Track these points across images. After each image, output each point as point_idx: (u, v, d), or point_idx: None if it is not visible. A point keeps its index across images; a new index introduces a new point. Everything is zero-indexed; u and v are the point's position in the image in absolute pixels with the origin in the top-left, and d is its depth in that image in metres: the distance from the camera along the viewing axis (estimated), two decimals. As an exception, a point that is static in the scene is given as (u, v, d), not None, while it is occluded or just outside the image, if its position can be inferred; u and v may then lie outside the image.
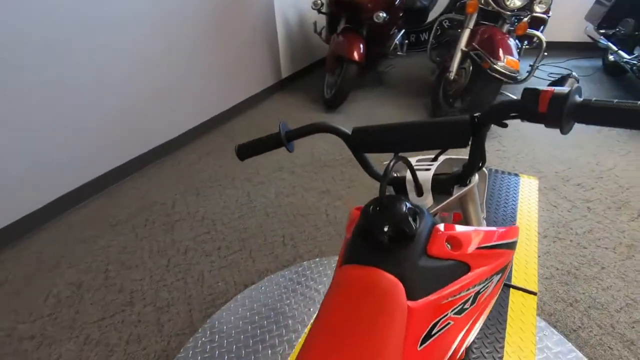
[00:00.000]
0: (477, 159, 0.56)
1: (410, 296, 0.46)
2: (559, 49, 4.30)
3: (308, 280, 1.37)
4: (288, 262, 1.58)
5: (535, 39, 2.69)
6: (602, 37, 3.33)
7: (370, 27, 3.03)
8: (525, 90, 0.44)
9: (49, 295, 1.48)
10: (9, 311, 1.41)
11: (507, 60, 2.25)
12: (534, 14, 2.48)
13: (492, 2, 2.42)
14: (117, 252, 1.68)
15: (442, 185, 0.63)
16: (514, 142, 2.49)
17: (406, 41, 3.47)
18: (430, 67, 3.79)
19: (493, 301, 0.63)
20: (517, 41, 2.75)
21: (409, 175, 0.63)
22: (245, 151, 0.69)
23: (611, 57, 3.44)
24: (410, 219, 0.47)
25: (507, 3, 2.39)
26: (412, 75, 4.01)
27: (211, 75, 2.76)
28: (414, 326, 0.45)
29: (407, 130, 0.57)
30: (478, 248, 0.53)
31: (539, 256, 1.52)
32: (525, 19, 2.48)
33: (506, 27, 2.53)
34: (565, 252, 1.55)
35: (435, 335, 0.47)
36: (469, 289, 0.52)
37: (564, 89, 0.42)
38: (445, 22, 3.40)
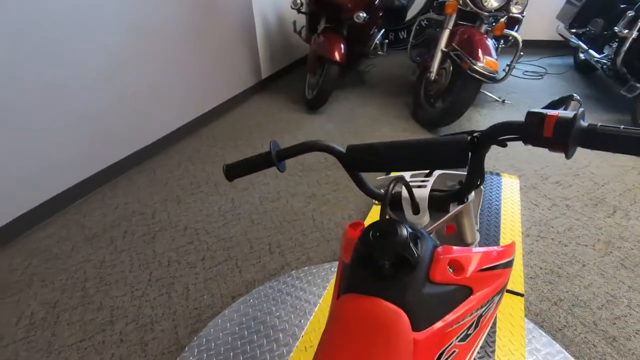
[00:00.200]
0: (476, 178, 0.55)
1: (415, 327, 0.44)
2: (532, 47, 4.43)
3: (297, 290, 1.34)
4: (276, 270, 1.54)
5: (510, 38, 2.75)
6: (573, 36, 3.44)
7: (350, 27, 3.01)
8: (529, 113, 0.43)
9: (21, 317, 1.39)
10: (-23, 337, 1.32)
11: (487, 61, 2.28)
12: (510, 15, 2.53)
13: (470, 3, 2.45)
14: (95, 267, 1.60)
15: (439, 202, 0.62)
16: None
17: (386, 40, 3.48)
18: (410, 65, 3.82)
19: (492, 321, 0.62)
20: (494, 41, 2.80)
21: (405, 192, 0.61)
22: (234, 171, 0.65)
23: (582, 56, 3.56)
24: (411, 244, 0.45)
25: (485, 4, 2.42)
26: (392, 74, 4.03)
27: (189, 78, 2.67)
28: (420, 359, 0.44)
29: (404, 149, 0.55)
30: (480, 270, 0.51)
31: (522, 255, 1.55)
32: (502, 20, 2.53)
33: (484, 28, 2.57)
34: (548, 250, 1.59)
35: None
36: (472, 314, 0.51)
37: (569, 114, 0.41)
38: (423, 22, 3.42)
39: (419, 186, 0.63)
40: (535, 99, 3.20)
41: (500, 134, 0.47)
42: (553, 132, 0.41)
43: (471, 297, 0.50)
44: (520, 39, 2.57)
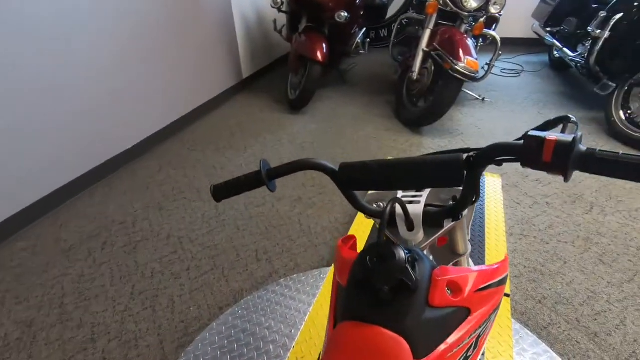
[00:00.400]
0: (471, 196, 0.54)
1: (417, 355, 0.44)
2: (509, 45, 4.52)
3: (287, 299, 1.32)
4: (263, 278, 1.52)
5: (489, 37, 2.79)
6: (548, 34, 3.53)
7: (332, 26, 2.99)
8: (527, 136, 0.42)
9: (-6, 338, 1.32)
10: (-55, 363, 1.24)
11: (468, 61, 2.31)
12: (489, 14, 2.57)
13: (450, 3, 2.47)
14: (73, 281, 1.53)
15: (433, 219, 0.61)
16: (476, 139, 2.58)
17: (368, 39, 3.47)
18: (392, 64, 3.83)
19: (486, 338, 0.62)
20: (473, 40, 2.84)
21: (399, 209, 0.60)
22: (222, 192, 0.62)
23: (556, 54, 3.66)
24: (409, 268, 0.44)
25: (465, 4, 2.45)
26: (373, 72, 4.03)
27: (168, 79, 2.59)
28: None
29: (398, 167, 0.54)
30: (477, 290, 0.51)
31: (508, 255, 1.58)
32: (482, 19, 2.56)
33: (464, 27, 2.60)
34: (531, 249, 1.63)
35: None
36: (471, 335, 0.50)
37: (567, 137, 0.40)
38: (404, 21, 3.44)
39: (411, 201, 0.62)
40: (513, 96, 3.27)
41: (497, 155, 0.47)
42: (552, 156, 0.40)
43: (470, 317, 0.50)
44: (498, 38, 2.61)
